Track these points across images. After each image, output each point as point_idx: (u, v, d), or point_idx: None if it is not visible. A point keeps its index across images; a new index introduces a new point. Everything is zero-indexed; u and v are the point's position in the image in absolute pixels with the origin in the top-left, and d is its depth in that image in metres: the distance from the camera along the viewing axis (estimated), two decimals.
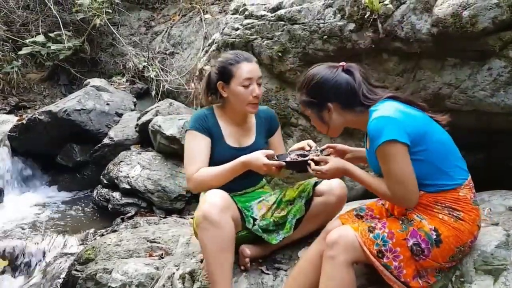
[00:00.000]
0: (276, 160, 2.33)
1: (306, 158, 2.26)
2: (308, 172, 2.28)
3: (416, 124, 2.07)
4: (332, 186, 2.51)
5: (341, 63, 2.20)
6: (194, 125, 2.53)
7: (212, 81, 2.58)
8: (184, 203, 4.25)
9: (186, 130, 2.57)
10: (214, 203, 2.29)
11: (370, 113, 2.10)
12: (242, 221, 2.46)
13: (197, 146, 2.49)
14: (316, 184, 2.53)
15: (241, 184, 2.50)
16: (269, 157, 2.35)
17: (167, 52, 6.52)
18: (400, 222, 2.14)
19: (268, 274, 2.49)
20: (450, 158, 2.14)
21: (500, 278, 2.13)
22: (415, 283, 2.08)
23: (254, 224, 2.48)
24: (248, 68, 2.49)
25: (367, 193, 3.40)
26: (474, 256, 2.18)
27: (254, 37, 3.55)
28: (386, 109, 2.06)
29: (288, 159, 2.35)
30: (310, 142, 2.47)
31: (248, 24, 3.59)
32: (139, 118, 4.91)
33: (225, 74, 2.51)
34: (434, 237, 2.07)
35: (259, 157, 2.35)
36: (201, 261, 2.70)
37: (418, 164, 2.05)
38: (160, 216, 4.01)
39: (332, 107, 2.16)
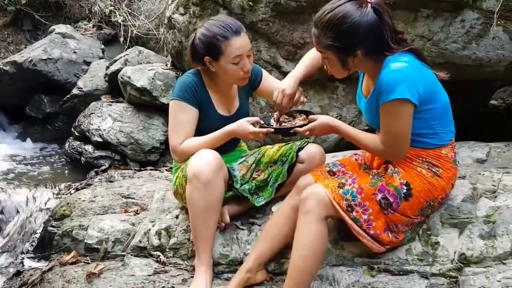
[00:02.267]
0: (261, 125, 2.31)
1: (294, 126, 2.24)
2: (295, 136, 2.29)
3: (429, 84, 2.05)
4: (313, 155, 2.52)
5: None
6: (182, 94, 2.42)
7: (198, 52, 2.42)
8: (158, 155, 4.25)
9: (172, 98, 2.45)
10: (208, 163, 2.29)
11: (386, 62, 2.03)
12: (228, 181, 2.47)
13: (183, 117, 2.41)
14: (299, 149, 2.52)
15: (222, 148, 2.47)
16: (253, 123, 2.32)
17: None
18: (371, 177, 2.20)
19: (242, 229, 2.55)
20: (445, 121, 2.17)
21: (465, 231, 2.22)
22: (385, 236, 2.17)
23: (241, 185, 2.51)
24: (238, 44, 2.34)
25: (339, 145, 3.45)
26: (441, 210, 2.27)
27: None
28: (404, 64, 2.00)
29: (272, 121, 2.33)
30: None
31: None
32: (107, 67, 4.79)
33: (212, 50, 2.36)
34: (404, 191, 2.13)
35: (244, 125, 2.32)
36: (177, 217, 2.74)
37: (416, 121, 2.06)
38: (134, 169, 3.99)
39: (359, 54, 2.04)
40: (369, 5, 2.00)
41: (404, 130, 2.04)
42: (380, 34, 2.02)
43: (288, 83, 2.34)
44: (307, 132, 2.21)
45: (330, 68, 2.14)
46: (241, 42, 2.36)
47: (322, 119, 2.22)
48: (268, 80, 2.66)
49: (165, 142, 4.22)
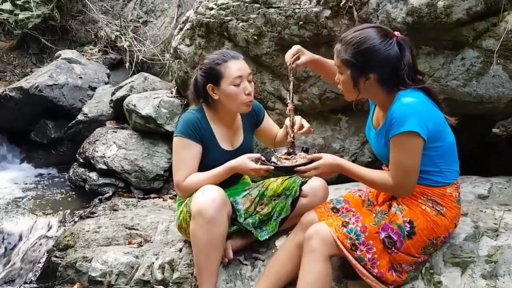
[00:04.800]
0: (262, 161, 2.34)
1: (296, 164, 2.26)
2: (296, 174, 2.31)
3: (437, 122, 2.09)
4: (316, 188, 2.55)
5: (395, 33, 2.11)
6: (185, 131, 2.46)
7: (200, 84, 2.49)
8: (162, 182, 4.26)
9: (176, 135, 2.49)
10: (213, 199, 2.31)
11: (398, 96, 2.08)
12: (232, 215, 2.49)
13: (187, 154, 2.45)
14: (302, 183, 2.54)
15: (226, 182, 2.51)
16: (255, 160, 2.35)
17: (140, 20, 6.36)
18: (374, 215, 2.22)
19: (246, 265, 2.56)
20: (451, 160, 2.20)
21: (467, 270, 2.23)
22: (390, 275, 2.18)
23: (245, 219, 2.53)
24: (237, 66, 2.42)
25: (341, 177, 3.46)
26: (443, 248, 2.28)
27: (229, 18, 3.49)
28: (415, 99, 2.04)
29: (273, 158, 2.36)
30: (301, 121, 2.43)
31: (223, 4, 3.52)
32: (113, 93, 4.83)
33: (213, 75, 2.43)
34: (408, 229, 2.15)
35: (245, 162, 2.35)
36: (180, 250, 2.75)
37: (422, 158, 2.10)
38: (138, 197, 4.01)
39: (372, 78, 2.10)
40: (394, 38, 2.09)
41: (413, 163, 2.07)
42: (397, 67, 2.08)
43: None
44: (312, 172, 2.22)
45: (342, 86, 2.19)
46: (240, 64, 2.43)
47: (327, 158, 2.23)
48: (269, 121, 2.73)
49: (169, 170, 4.24)
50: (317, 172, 2.25)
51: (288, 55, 2.42)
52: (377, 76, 2.09)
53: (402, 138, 2.04)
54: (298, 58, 2.42)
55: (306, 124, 2.43)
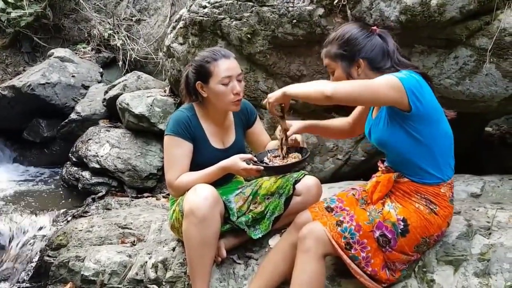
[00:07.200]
0: (254, 162, 2.35)
1: (286, 164, 2.28)
2: (286, 174, 2.31)
3: (435, 107, 2.10)
4: (309, 187, 2.54)
5: (373, 27, 2.19)
6: (176, 130, 2.46)
7: (190, 81, 2.51)
8: (156, 181, 4.25)
9: (166, 134, 2.49)
10: (205, 198, 2.31)
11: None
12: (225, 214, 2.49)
13: (178, 152, 2.45)
14: (295, 182, 2.54)
15: (219, 180, 2.50)
16: (246, 160, 2.35)
17: (133, 19, 6.34)
18: (368, 213, 2.21)
19: (239, 263, 2.55)
20: (447, 153, 2.20)
21: (460, 268, 2.23)
22: (383, 273, 2.18)
23: (237, 217, 2.53)
24: (226, 65, 2.42)
25: (335, 176, 3.47)
26: (436, 247, 2.28)
27: (223, 16, 3.48)
28: (418, 77, 2.05)
29: (265, 159, 2.37)
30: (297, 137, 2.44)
31: (216, 2, 3.51)
32: (106, 92, 4.82)
33: (202, 73, 2.44)
34: (401, 227, 2.15)
35: (237, 162, 2.35)
36: (173, 249, 2.74)
37: (420, 145, 2.10)
38: (131, 196, 4.00)
39: (363, 64, 2.13)
40: (373, 31, 2.17)
41: (377, 95, 2.00)
42: (385, 50, 2.14)
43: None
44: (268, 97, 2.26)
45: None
46: (230, 64, 2.44)
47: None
48: (260, 125, 2.73)
49: (162, 169, 4.23)
50: (270, 95, 2.26)
51: (277, 131, 2.46)
52: (367, 62, 2.13)
53: (391, 77, 2.01)
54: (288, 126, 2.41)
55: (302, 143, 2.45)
